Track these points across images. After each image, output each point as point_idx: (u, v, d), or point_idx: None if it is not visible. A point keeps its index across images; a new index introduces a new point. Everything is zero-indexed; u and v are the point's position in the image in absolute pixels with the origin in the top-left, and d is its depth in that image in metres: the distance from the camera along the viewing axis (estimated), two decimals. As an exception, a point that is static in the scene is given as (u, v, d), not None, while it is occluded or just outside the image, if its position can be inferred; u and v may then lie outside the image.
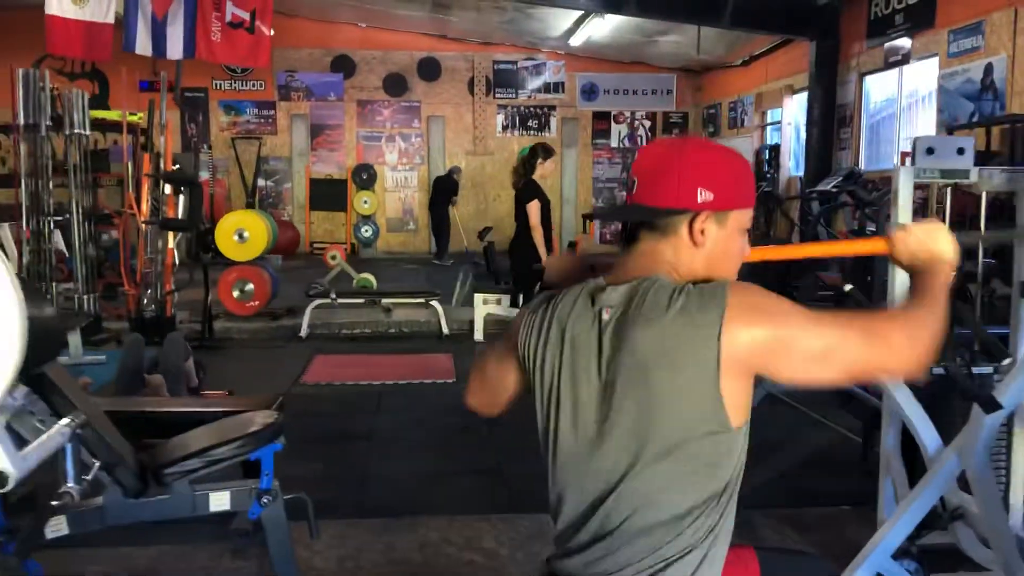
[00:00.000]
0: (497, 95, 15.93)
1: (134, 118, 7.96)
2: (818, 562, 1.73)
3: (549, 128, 16.13)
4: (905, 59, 9.37)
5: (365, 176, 15.13)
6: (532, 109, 16.07)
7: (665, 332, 1.31)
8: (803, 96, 11.53)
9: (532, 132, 15.99)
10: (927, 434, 2.47)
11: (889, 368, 1.37)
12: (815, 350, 1.31)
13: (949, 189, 2.83)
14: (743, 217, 1.40)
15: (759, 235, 9.41)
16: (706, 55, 12.82)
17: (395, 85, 15.65)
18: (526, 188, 6.22)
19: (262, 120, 15.52)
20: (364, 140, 15.77)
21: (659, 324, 1.31)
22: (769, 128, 13.26)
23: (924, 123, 9.36)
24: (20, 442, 1.75)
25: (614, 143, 16.33)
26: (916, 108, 9.68)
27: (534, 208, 6.16)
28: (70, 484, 2.00)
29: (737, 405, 1.32)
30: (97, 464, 2.12)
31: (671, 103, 16.24)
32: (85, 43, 7.58)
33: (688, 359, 1.30)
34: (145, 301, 6.91)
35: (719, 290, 1.32)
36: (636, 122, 16.29)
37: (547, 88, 16.03)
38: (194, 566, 2.89)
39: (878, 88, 10.43)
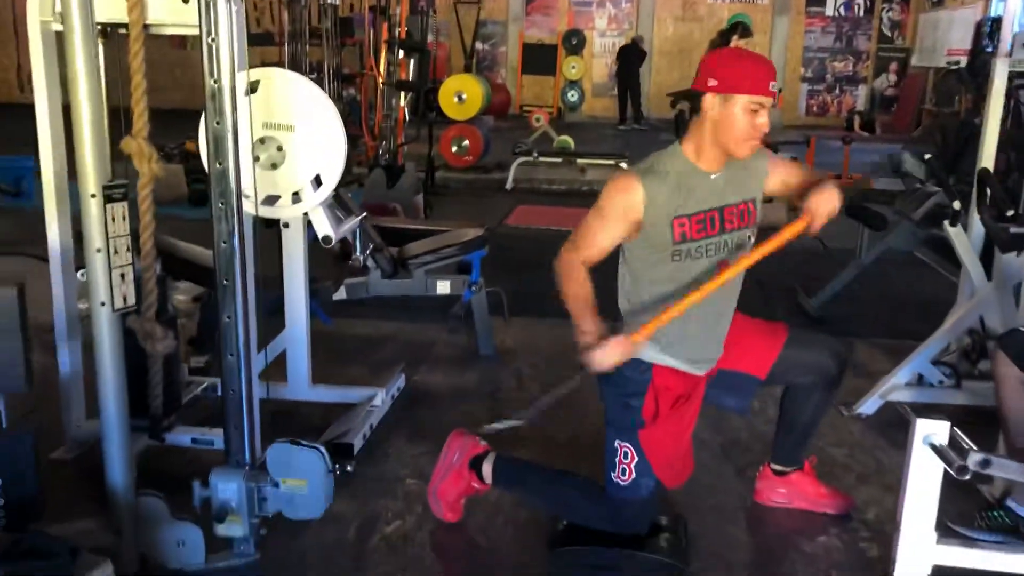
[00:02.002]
0: (710, -40, 15.91)
1: (374, -11, 9.08)
2: (833, 339, 2.53)
3: (761, -6, 15.97)
4: None
5: (574, 41, 15.76)
6: (746, -26, 15.94)
7: None
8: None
9: (744, -1, 15.93)
10: (975, 270, 3.17)
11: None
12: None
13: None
14: (747, 100, 2.07)
15: (951, 113, 9.41)
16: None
17: (609, -50, 15.99)
18: None
19: (482, -15, 16.40)
20: (576, 5, 16.35)
21: None
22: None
23: None
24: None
25: (829, 11, 15.94)
26: None
27: None
28: (358, 254, 3.17)
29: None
30: (370, 247, 3.28)
31: (896, -31, 15.56)
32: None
33: None
34: (381, 151, 8.22)
35: (624, 173, 2.19)
36: (855, -11, 15.79)
37: (763, -47, 15.80)
38: (424, 336, 4.08)
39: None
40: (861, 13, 15.87)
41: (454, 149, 9.00)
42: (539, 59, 15.99)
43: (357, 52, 9.73)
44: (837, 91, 16.28)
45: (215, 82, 2.04)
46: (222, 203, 2.10)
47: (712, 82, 2.11)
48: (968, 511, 2.49)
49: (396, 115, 8.43)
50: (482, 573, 2.31)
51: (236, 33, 2.12)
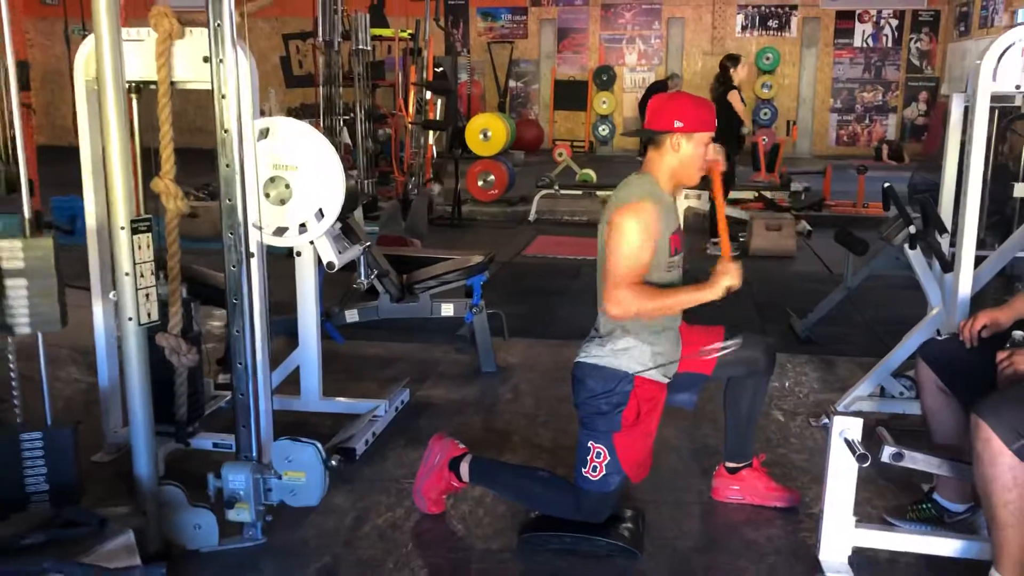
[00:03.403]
0: (738, -5, 16.25)
1: (404, 35, 9.60)
2: (766, 339, 2.84)
3: (789, 28, 16.25)
4: None
5: (605, 77, 16.22)
6: (772, 9, 16.23)
7: (604, 215, 2.53)
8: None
9: (772, 32, 16.22)
10: (931, 288, 3.42)
11: (610, 300, 2.45)
12: (610, 263, 2.46)
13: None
14: (705, 136, 2.51)
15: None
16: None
17: (638, -12, 16.43)
18: (726, 87, 7.28)
19: (514, 25, 16.95)
20: (606, 42, 16.78)
21: (607, 207, 2.53)
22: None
23: None
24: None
25: (857, 43, 16.15)
26: None
27: (735, 97, 7.22)
28: (362, 279, 3.53)
29: None
30: (375, 272, 3.65)
31: (922, 0, 15.72)
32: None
33: (602, 232, 2.52)
34: (410, 186, 8.66)
35: (620, 200, 2.49)
36: (882, 21, 15.97)
37: (789, -13, 16.11)
38: (431, 356, 4.42)
39: None
40: (889, 44, 16.05)
41: (480, 183, 9.40)
42: (571, 95, 16.46)
43: (391, 93, 10.24)
44: (867, 120, 16.43)
45: (225, 131, 2.43)
46: (231, 233, 2.47)
47: (679, 123, 2.49)
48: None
49: (424, 151, 8.89)
50: (458, 556, 2.61)
51: (248, 89, 2.50)
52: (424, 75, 8.91)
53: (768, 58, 15.96)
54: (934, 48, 15.88)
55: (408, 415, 3.63)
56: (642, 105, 15.33)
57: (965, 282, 2.92)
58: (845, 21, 16.09)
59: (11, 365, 2.56)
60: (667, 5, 16.45)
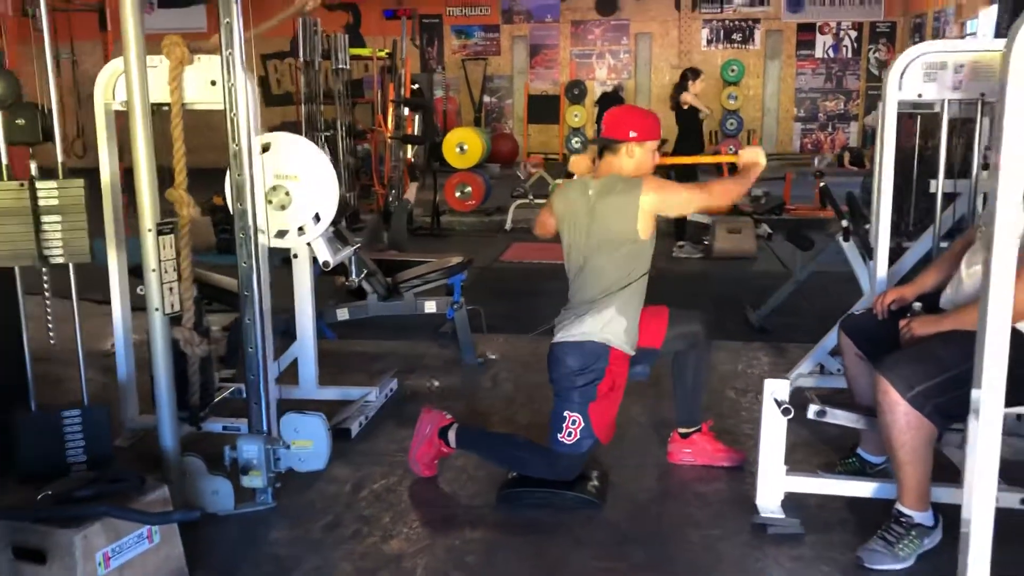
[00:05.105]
0: (703, 10, 16.79)
1: (381, 54, 10.00)
2: (701, 314, 3.24)
3: (753, 41, 16.82)
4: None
5: (576, 91, 16.63)
6: (736, 23, 16.80)
7: (615, 200, 2.91)
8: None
9: (736, 45, 16.78)
10: (861, 275, 3.85)
11: (715, 205, 2.94)
12: (682, 200, 2.92)
13: None
14: (653, 144, 2.95)
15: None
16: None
17: (606, 5, 16.94)
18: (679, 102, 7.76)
19: (488, 42, 17.41)
20: (576, 58, 17.28)
21: (613, 195, 2.92)
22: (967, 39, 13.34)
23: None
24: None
25: (818, 54, 16.74)
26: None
27: (690, 96, 7.70)
28: (353, 277, 3.91)
29: (645, 230, 2.91)
30: (365, 272, 4.03)
31: (879, 12, 16.35)
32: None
33: (623, 211, 2.90)
34: (390, 199, 9.03)
35: (638, 181, 2.90)
36: (842, 32, 16.58)
37: (752, 1, 16.67)
38: (416, 351, 4.79)
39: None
40: (849, 54, 16.66)
41: (457, 195, 9.80)
42: (543, 109, 16.90)
43: (371, 109, 10.62)
44: (830, 128, 17.01)
45: (236, 145, 2.81)
46: (243, 234, 2.85)
47: (633, 134, 2.93)
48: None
49: (403, 166, 9.27)
50: (446, 511, 2.98)
51: (251, 108, 2.88)
52: (401, 92, 9.31)
53: (733, 70, 16.48)
54: (891, 58, 16.47)
55: (396, 402, 4.00)
56: (598, 115, 15.83)
57: (882, 266, 3.34)
58: (806, 33, 16.69)
59: (47, 303, 2.90)
60: (635, 21, 16.98)
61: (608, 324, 2.92)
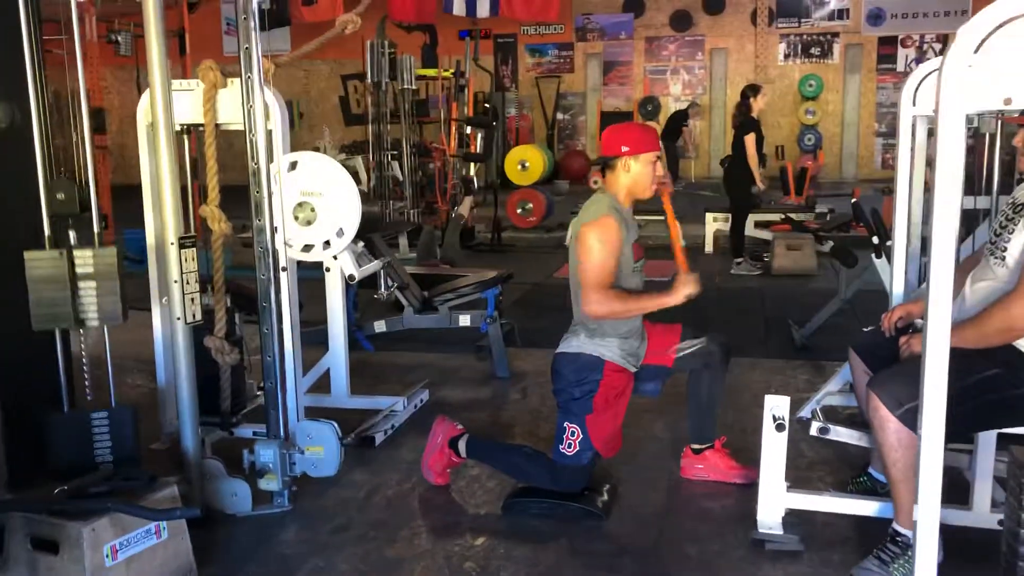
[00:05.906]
0: (780, 24, 16.56)
1: (447, 74, 10.20)
2: (721, 336, 3.24)
3: (831, 55, 16.49)
4: None
5: (650, 107, 16.66)
6: (815, 37, 16.51)
7: (572, 227, 2.97)
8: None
9: (814, 59, 16.49)
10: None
11: (594, 304, 2.89)
12: (583, 271, 2.91)
13: None
14: (650, 156, 2.95)
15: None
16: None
17: (680, 21, 16.89)
18: (744, 124, 7.62)
19: (561, 60, 17.55)
20: (651, 74, 17.24)
21: (575, 220, 2.97)
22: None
23: None
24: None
25: (900, 67, 16.30)
26: None
27: (750, 141, 7.54)
28: (381, 290, 4.04)
29: None
30: (396, 284, 4.15)
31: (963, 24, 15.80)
32: (416, 9, 9.95)
33: (572, 239, 2.94)
34: (453, 215, 9.19)
35: (592, 215, 2.92)
36: (925, 45, 16.11)
37: (831, 15, 16.36)
38: (452, 363, 4.88)
39: None
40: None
41: (519, 211, 9.90)
42: (616, 126, 16.89)
43: (437, 129, 10.84)
44: (913, 144, 16.50)
45: (255, 164, 2.96)
46: (261, 247, 2.99)
47: (625, 148, 2.94)
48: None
49: (460, 183, 9.42)
50: (453, 519, 3.05)
51: (279, 128, 3.04)
52: (465, 111, 9.48)
53: (811, 85, 16.24)
54: (979, 70, 15.92)
55: (426, 412, 4.09)
56: (664, 132, 15.76)
57: (898, 282, 3.28)
58: (887, 47, 16.28)
59: (83, 354, 3.09)
60: (710, 36, 16.86)
61: (601, 340, 2.96)
